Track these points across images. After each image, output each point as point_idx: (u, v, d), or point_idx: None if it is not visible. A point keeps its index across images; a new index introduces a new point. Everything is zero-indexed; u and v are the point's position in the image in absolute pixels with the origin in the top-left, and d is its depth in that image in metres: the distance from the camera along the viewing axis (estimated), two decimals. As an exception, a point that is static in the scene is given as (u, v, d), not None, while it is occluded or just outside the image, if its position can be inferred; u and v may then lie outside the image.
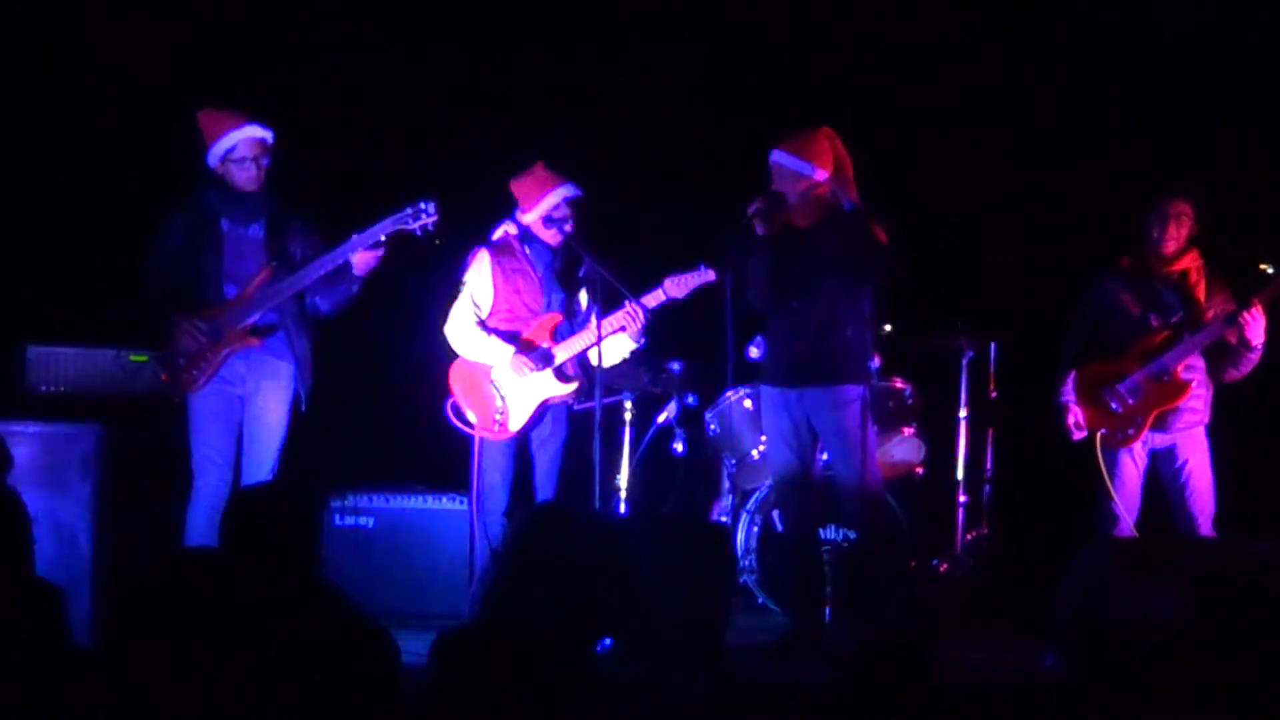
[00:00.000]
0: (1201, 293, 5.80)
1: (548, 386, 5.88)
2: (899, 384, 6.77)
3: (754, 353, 6.26)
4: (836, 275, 5.51)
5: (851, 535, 6.42)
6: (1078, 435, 5.86)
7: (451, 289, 5.94)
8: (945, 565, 6.76)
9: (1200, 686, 4.45)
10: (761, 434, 6.48)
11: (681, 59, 7.41)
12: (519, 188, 5.92)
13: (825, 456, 5.83)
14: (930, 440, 6.83)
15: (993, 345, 7.02)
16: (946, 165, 7.38)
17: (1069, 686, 4.91)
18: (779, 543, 6.39)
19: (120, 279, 5.79)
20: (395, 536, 6.42)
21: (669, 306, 5.86)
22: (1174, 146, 7.00)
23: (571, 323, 5.96)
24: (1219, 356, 5.80)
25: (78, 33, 6.81)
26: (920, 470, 6.91)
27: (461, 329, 5.88)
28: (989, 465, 7.02)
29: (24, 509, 3.65)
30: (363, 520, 6.43)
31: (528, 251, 5.92)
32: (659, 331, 6.02)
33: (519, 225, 5.93)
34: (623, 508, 6.68)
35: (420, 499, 6.50)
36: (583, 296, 6.00)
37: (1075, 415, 5.84)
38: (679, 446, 7.02)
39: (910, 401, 6.74)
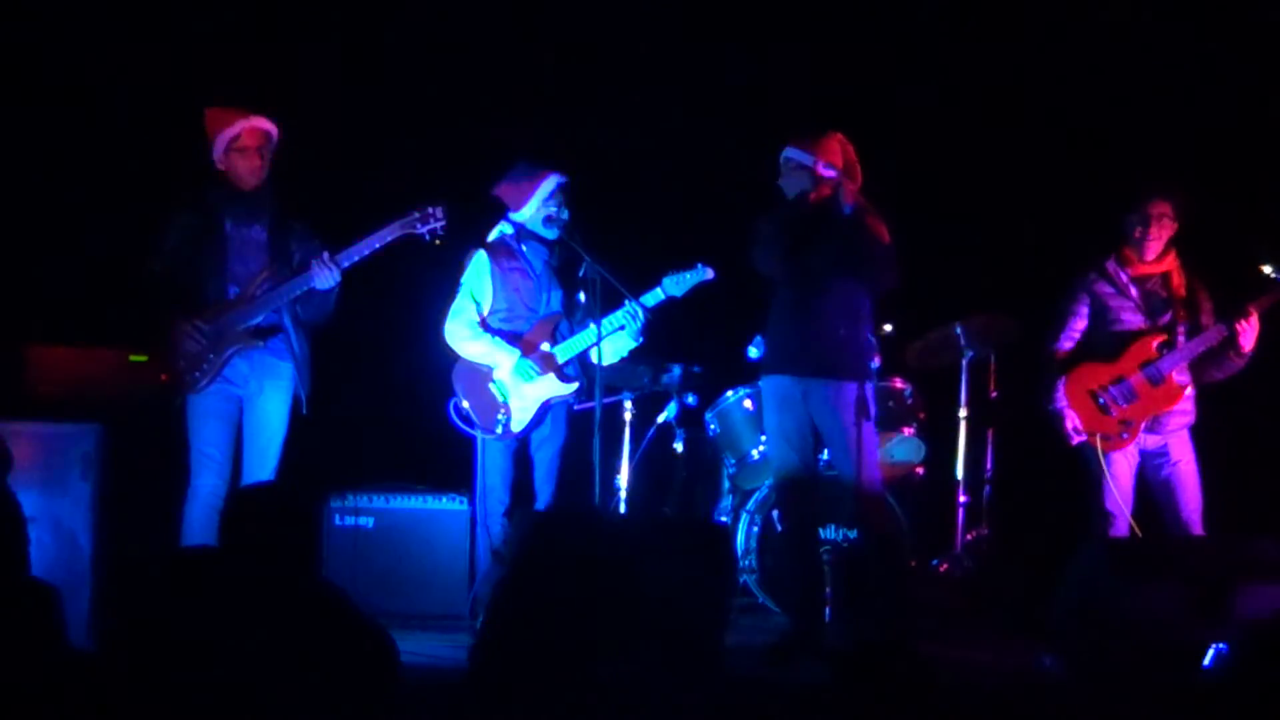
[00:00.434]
0: (1185, 293, 5.86)
1: (550, 387, 5.88)
2: (899, 384, 6.77)
3: (754, 353, 6.26)
4: (844, 273, 5.51)
5: (851, 535, 6.42)
6: (1077, 439, 5.87)
7: (451, 289, 5.94)
8: (945, 565, 6.76)
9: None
10: (762, 433, 6.49)
11: (681, 58, 7.41)
12: (506, 190, 5.92)
13: (824, 455, 5.84)
14: (930, 440, 6.83)
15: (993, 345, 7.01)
16: (947, 165, 7.38)
17: (1067, 686, 4.91)
18: (779, 543, 6.39)
19: (120, 279, 5.78)
20: (395, 536, 6.42)
21: (667, 306, 5.86)
22: (1174, 146, 7.00)
23: (571, 321, 5.96)
24: (1205, 359, 5.83)
25: (79, 32, 6.81)
26: (920, 470, 6.91)
27: (462, 330, 5.88)
28: (989, 465, 7.01)
29: (19, 508, 3.65)
30: (363, 520, 6.43)
31: (525, 250, 5.93)
32: (659, 331, 6.02)
33: (514, 224, 5.94)
34: (623, 508, 6.68)
35: (420, 499, 6.51)
36: (580, 295, 6.00)
37: (1073, 420, 5.85)
38: (679, 446, 7.03)
39: (910, 401, 6.74)
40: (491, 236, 5.98)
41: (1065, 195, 7.24)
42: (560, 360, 5.87)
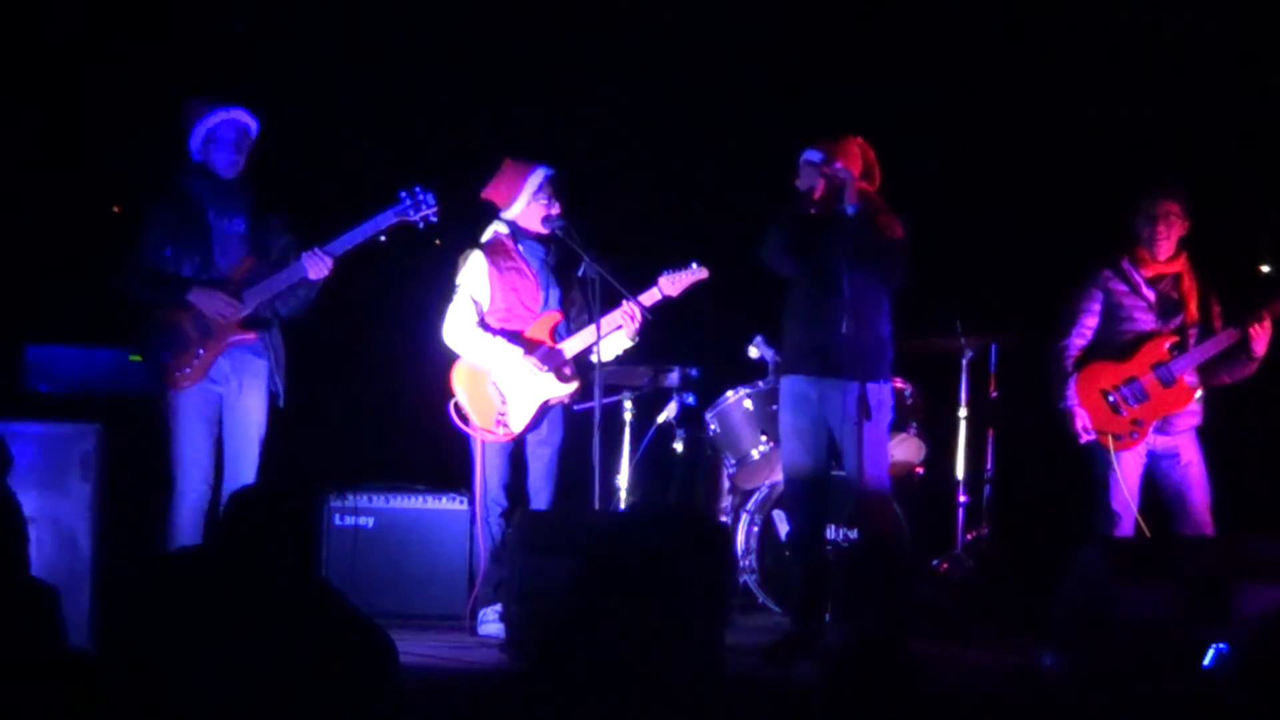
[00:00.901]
0: (1196, 295, 5.84)
1: (549, 387, 5.88)
2: (899, 384, 6.75)
3: (754, 353, 6.25)
4: (852, 271, 5.49)
5: (852, 535, 6.41)
6: (1086, 439, 5.87)
7: (447, 289, 5.93)
8: (945, 565, 6.75)
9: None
10: (762, 433, 6.48)
11: (679, 57, 7.40)
12: (494, 191, 5.92)
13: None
14: (930, 440, 6.82)
15: (993, 345, 7.01)
16: (947, 166, 7.38)
17: (1067, 686, 4.91)
18: (786, 543, 6.36)
19: (107, 274, 5.75)
20: (395, 536, 6.41)
21: (665, 306, 5.86)
22: (1172, 147, 6.99)
23: (569, 320, 5.96)
24: (1216, 362, 5.83)
25: (78, 31, 6.80)
26: (920, 470, 6.90)
27: (462, 331, 5.88)
28: (989, 465, 7.01)
29: (18, 508, 3.65)
30: (363, 520, 6.42)
31: (521, 249, 5.92)
32: (658, 331, 6.02)
33: (508, 224, 5.93)
34: (622, 508, 6.68)
35: (420, 499, 6.50)
36: (576, 294, 6.00)
37: (1083, 420, 5.85)
38: (679, 446, 7.02)
39: (910, 401, 6.73)
40: (486, 236, 5.97)
41: (1065, 195, 7.24)
42: (566, 355, 5.87)
